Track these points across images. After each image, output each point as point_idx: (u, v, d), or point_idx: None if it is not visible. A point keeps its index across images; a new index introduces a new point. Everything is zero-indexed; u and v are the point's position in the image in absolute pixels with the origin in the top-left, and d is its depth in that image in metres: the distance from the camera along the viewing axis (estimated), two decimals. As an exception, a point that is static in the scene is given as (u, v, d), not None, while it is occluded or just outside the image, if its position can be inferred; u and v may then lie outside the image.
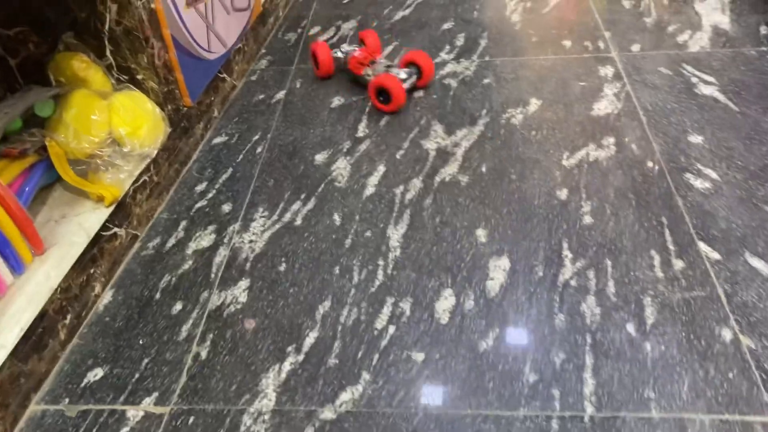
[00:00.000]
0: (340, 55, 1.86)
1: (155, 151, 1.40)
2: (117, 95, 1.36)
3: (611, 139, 1.53)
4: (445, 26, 2.09)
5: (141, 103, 1.39)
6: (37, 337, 1.09)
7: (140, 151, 1.37)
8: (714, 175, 1.39)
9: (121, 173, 1.34)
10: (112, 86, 1.39)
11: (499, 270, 1.24)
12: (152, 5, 1.39)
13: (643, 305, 1.14)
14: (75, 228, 1.24)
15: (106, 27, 1.35)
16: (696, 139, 1.49)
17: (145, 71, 1.41)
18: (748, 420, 0.96)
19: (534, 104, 1.67)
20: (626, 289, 1.17)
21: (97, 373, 1.12)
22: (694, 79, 1.70)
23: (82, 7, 1.33)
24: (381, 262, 1.28)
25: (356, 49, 1.85)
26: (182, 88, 1.54)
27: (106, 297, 1.27)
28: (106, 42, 1.38)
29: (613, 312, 1.14)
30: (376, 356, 1.10)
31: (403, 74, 1.73)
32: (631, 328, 1.11)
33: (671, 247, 1.25)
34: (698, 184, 1.38)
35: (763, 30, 1.88)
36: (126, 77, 1.43)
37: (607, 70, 1.78)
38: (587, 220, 1.32)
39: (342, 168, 1.54)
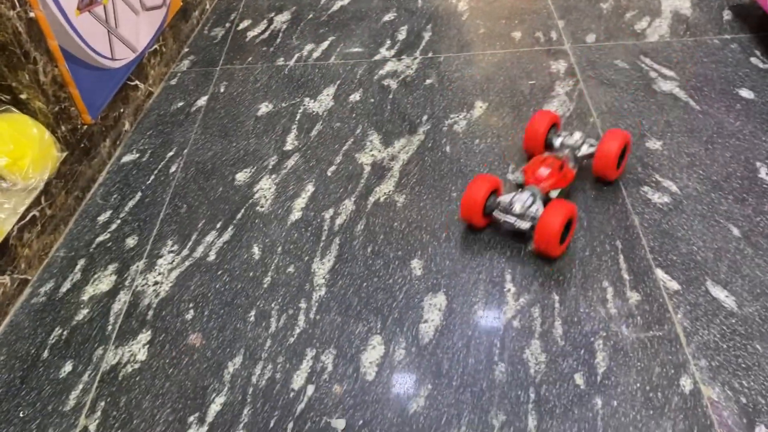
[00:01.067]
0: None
1: (43, 183, 1.22)
2: (-8, 120, 1.18)
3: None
4: (387, 17, 1.92)
5: (23, 128, 1.21)
6: None
7: (25, 184, 1.19)
8: (674, 187, 1.26)
9: (1, 212, 1.16)
10: (-11, 109, 1.21)
11: (434, 310, 1.10)
12: (30, 14, 1.20)
13: (593, 349, 1.01)
14: (-58, 282, 1.07)
15: (-24, 41, 1.17)
16: (654, 144, 1.36)
17: (28, 90, 1.23)
18: (709, 493, 0.84)
19: (479, 108, 1.52)
20: (575, 330, 1.04)
21: (-34, 457, 0.97)
22: (652, 74, 1.56)
23: (-57, 19, 1.14)
24: (303, 305, 1.13)
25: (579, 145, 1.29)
26: (79, 104, 1.36)
27: (-15, 359, 1.10)
28: (-22, 58, 1.19)
29: (560, 359, 1.00)
30: (291, 425, 0.96)
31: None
32: (579, 378, 0.97)
33: (626, 276, 1.11)
34: (656, 198, 1.24)
35: (726, 15, 1.74)
36: (8, 97, 1.24)
37: (560, 65, 1.63)
38: (533, 246, 1.18)
39: (266, 189, 1.37)
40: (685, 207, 1.22)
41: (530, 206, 1.17)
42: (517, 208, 1.17)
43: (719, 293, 1.07)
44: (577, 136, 1.30)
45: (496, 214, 1.19)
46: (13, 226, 1.17)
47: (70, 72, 1.31)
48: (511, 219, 1.17)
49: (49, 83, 1.26)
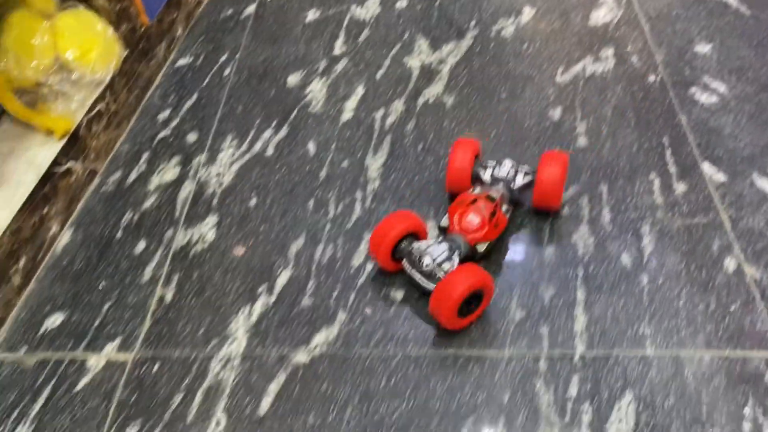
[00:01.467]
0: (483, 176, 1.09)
1: (109, 77, 1.27)
2: (61, 15, 1.22)
3: (610, 51, 1.40)
4: (431, -71, 1.90)
5: (89, 24, 1.25)
6: (-14, 285, 1.01)
7: (92, 77, 1.25)
8: (722, 88, 1.27)
9: (71, 103, 1.22)
10: (56, 5, 1.25)
11: (485, 199, 1.14)
12: None
13: (640, 234, 1.06)
14: (23, 165, 1.14)
15: (43, -65, 1.20)
16: (703, 48, 1.36)
17: (92, -14, 1.27)
18: (750, 356, 0.89)
19: (527, 13, 1.53)
20: (622, 216, 1.08)
21: (56, 320, 1.05)
22: (702, -18, 1.55)
23: None
24: (359, 195, 1.19)
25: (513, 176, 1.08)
26: (138, 5, 1.40)
27: (64, 237, 1.18)
28: (45, -47, 1.22)
29: (608, 242, 1.05)
30: (353, 295, 1.03)
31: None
32: (626, 259, 1.02)
33: (672, 169, 1.15)
34: (704, 99, 1.26)
35: (780, -76, 1.70)
36: (72, -6, 1.28)
37: (608, -26, 1.62)
38: (582, 141, 1.22)
39: (317, 91, 1.41)
40: (733, 107, 1.24)
41: (442, 263, 0.95)
42: (426, 262, 0.96)
43: (765, 184, 1.10)
44: (508, 165, 1.07)
45: (405, 264, 0.99)
46: (83, 117, 1.23)
47: (129, -28, 1.35)
48: (416, 276, 0.97)
49: (111, -19, 1.30)
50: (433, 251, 0.96)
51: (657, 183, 1.13)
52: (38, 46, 1.18)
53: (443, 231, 1.04)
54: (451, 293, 0.89)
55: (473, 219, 1.00)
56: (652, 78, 1.32)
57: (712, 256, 1.01)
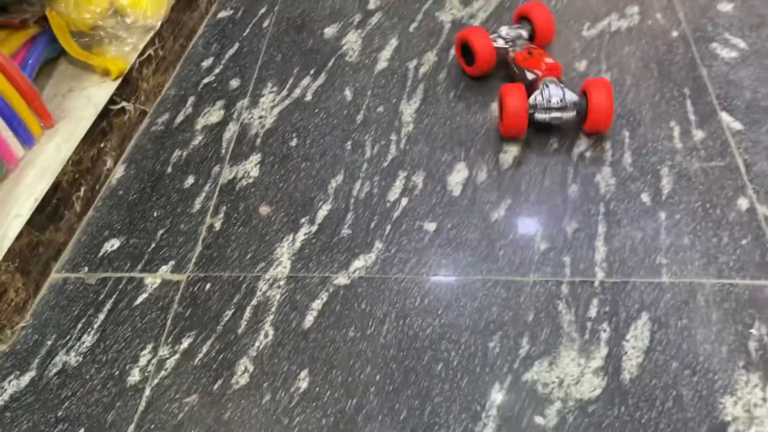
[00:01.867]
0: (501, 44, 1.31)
1: (159, 23, 1.35)
2: (116, -38, 1.30)
3: (635, 8, 1.45)
4: None
5: (141, -28, 1.32)
6: (52, 208, 1.10)
7: (144, 23, 1.32)
8: (742, 44, 1.33)
9: (125, 46, 1.30)
10: (111, -47, 1.32)
11: (512, 144, 1.22)
12: None
13: (659, 175, 1.12)
14: (83, 102, 1.22)
15: None
16: (725, 6, 1.41)
17: (143, -64, 1.34)
18: (758, 284, 0.96)
19: (555, -28, 1.58)
20: (643, 160, 1.15)
21: (113, 244, 1.14)
22: (728, -57, 1.59)
23: None
24: (393, 137, 1.26)
25: (521, 36, 1.32)
26: (184, -43, 1.47)
27: (119, 171, 1.27)
28: None
29: (629, 182, 1.12)
30: (389, 226, 1.11)
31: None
32: (646, 197, 1.09)
33: (692, 117, 1.21)
34: (724, 53, 1.32)
35: None
36: (124, -57, 1.35)
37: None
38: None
39: (353, 42, 1.48)
40: (753, 61, 1.29)
41: (564, 96, 1.16)
42: (555, 101, 1.16)
43: (780, 133, 1.16)
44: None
45: (540, 115, 1.17)
46: (135, 60, 1.31)
47: (176, -76, 1.41)
48: (557, 114, 1.17)
49: (161, -68, 1.37)
50: (555, 93, 1.17)
51: (677, 130, 1.19)
52: (95, -8, 1.26)
53: (532, 83, 1.21)
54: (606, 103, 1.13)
55: (548, 60, 1.23)
56: (675, 33, 1.37)
57: (727, 196, 1.08)
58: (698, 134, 1.18)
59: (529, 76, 1.22)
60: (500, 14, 1.49)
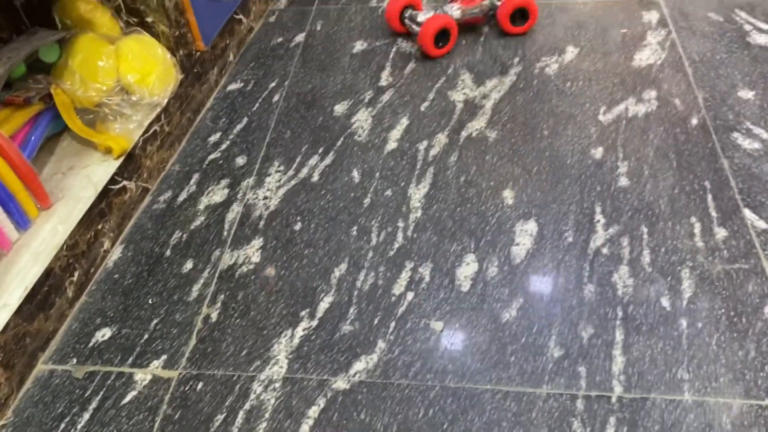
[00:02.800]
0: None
1: (166, 100, 1.33)
2: (125, 40, 1.29)
3: (653, 93, 1.41)
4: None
5: (150, 48, 1.31)
6: (43, 296, 1.05)
7: (150, 100, 1.30)
8: (765, 135, 1.28)
9: (130, 123, 1.27)
10: (121, 29, 1.32)
11: (525, 235, 1.16)
12: (161, -59, 1.30)
13: (680, 277, 1.06)
14: (83, 181, 1.19)
15: (113, -35, 1.27)
16: (746, 94, 1.38)
17: (155, 13, 1.33)
18: (789, 407, 0.89)
19: (570, 53, 1.56)
20: (662, 258, 1.09)
21: (105, 333, 1.09)
22: (747, 27, 1.56)
23: (86, -57, 1.24)
24: (401, 224, 1.21)
25: None
26: (195, 32, 1.46)
27: (116, 253, 1.22)
28: (113, -19, 1.29)
29: (648, 284, 1.06)
30: (393, 324, 1.05)
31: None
32: (666, 301, 1.03)
33: (713, 213, 1.16)
34: (746, 144, 1.27)
35: (827, -28, 1.72)
36: (135, 20, 1.35)
37: (652, 16, 1.64)
38: (623, 181, 1.23)
39: (363, 120, 1.45)
40: (776, 154, 1.24)
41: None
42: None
43: (807, 234, 1.10)
44: None
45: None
46: (139, 138, 1.28)
47: (189, 0, 1.41)
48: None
49: (173, 9, 1.36)
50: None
51: (698, 227, 1.14)
52: (102, 69, 1.24)
53: None
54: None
55: None
56: (694, 121, 1.33)
57: (753, 303, 1.01)
58: (720, 232, 1.12)
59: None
60: (513, 95, 1.46)
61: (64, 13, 1.29)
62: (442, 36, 1.57)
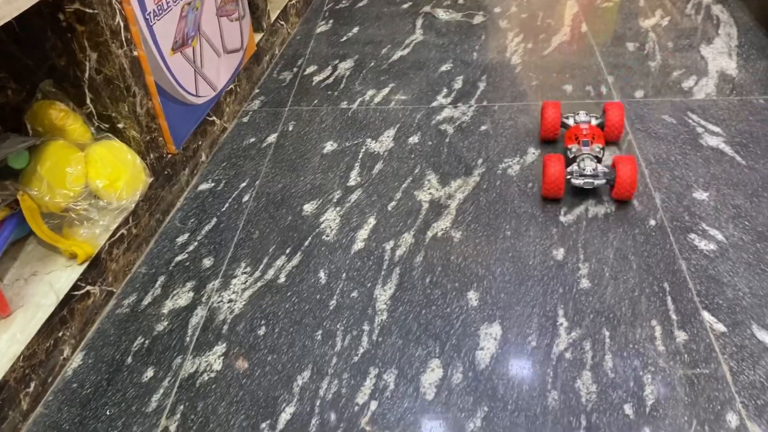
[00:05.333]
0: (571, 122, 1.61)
1: (134, 204, 1.34)
2: (94, 146, 1.31)
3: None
4: (444, 68, 2.04)
5: (120, 154, 1.33)
6: (-6, 411, 1.02)
7: (118, 204, 1.32)
8: (720, 236, 1.32)
9: (96, 228, 1.28)
10: (92, 135, 1.34)
11: (490, 338, 1.17)
12: (134, 53, 1.34)
13: (642, 383, 1.07)
14: (45, 288, 1.18)
15: (86, 75, 1.31)
16: (701, 195, 1.43)
17: (126, 120, 1.36)
18: None
19: (532, 154, 1.61)
20: (625, 363, 1.10)
21: (58, 448, 1.06)
22: (699, 129, 1.64)
23: (61, 54, 1.29)
24: (366, 327, 1.21)
25: (590, 121, 1.59)
26: (166, 136, 1.49)
27: (76, 360, 1.20)
28: (86, 90, 1.33)
29: (610, 390, 1.06)
30: (356, 436, 1.03)
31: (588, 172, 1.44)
32: (629, 409, 1.03)
33: (674, 316, 1.17)
34: (703, 245, 1.31)
35: (771, 77, 1.82)
36: (107, 126, 1.38)
37: (609, 118, 1.71)
38: (584, 283, 1.25)
39: (331, 220, 1.47)
40: (731, 255, 1.28)
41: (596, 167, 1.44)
42: (588, 170, 1.43)
43: (765, 337, 1.12)
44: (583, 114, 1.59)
45: (575, 181, 1.44)
46: (105, 242, 1.29)
47: (161, 105, 1.45)
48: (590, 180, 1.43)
49: (144, 115, 1.40)
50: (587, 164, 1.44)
51: (658, 330, 1.15)
52: (71, 175, 1.26)
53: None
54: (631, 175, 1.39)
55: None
56: (652, 222, 1.37)
57: (714, 410, 1.01)
58: (681, 336, 1.13)
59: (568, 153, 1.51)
60: (477, 195, 1.49)
61: (35, 120, 1.31)
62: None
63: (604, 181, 1.43)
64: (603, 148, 1.50)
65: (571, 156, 1.50)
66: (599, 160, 1.48)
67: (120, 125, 1.37)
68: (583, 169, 1.43)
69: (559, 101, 1.66)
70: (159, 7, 1.41)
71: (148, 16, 1.37)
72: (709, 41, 2.04)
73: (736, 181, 1.45)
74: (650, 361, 1.10)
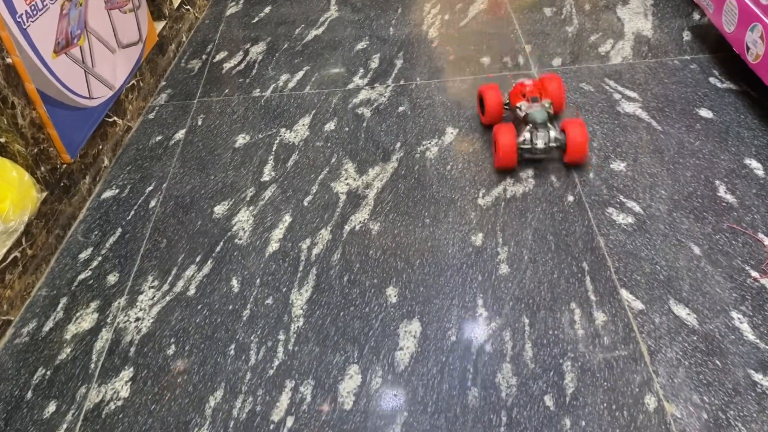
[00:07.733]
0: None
1: (23, 225, 1.25)
2: (-28, 166, 1.21)
3: (530, 171, 1.43)
4: (360, 46, 1.97)
5: (2, 172, 1.23)
6: None
7: (5, 227, 1.22)
8: (637, 208, 1.30)
9: (-18, 255, 1.18)
10: (-31, 154, 1.23)
11: (409, 337, 1.13)
12: (7, 60, 1.23)
13: (562, 371, 1.05)
14: (-75, 327, 1.09)
15: (-46, 89, 1.19)
16: (619, 166, 1.41)
17: (6, 134, 1.26)
18: (673, 508, 0.87)
19: (450, 134, 1.56)
20: (544, 352, 1.08)
21: (-47, 501, 0.98)
22: (616, 96, 1.61)
23: None
24: (282, 336, 1.16)
25: (531, 82, 1.53)
26: (58, 145, 1.38)
27: (-30, 401, 1.12)
28: (-43, 105, 1.22)
29: (531, 382, 1.04)
30: (271, 456, 0.99)
31: (540, 139, 1.40)
32: (549, 400, 1.01)
33: (592, 297, 1.16)
34: (621, 219, 1.29)
35: (686, 36, 1.81)
36: (-14, 141, 1.27)
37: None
38: (503, 269, 1.22)
39: (244, 221, 1.40)
40: (649, 227, 1.26)
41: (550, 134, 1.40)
42: (540, 143, 1.39)
43: (681, 311, 1.11)
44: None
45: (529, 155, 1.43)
46: (-5, 269, 1.19)
47: (48, 113, 1.34)
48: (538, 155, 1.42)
49: (28, 126, 1.29)
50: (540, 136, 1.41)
51: (578, 313, 1.13)
52: (-54, 201, 1.15)
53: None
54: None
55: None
56: (570, 198, 1.35)
57: (633, 393, 1.00)
58: (600, 317, 1.12)
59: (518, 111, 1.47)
60: (395, 182, 1.44)
61: None
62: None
63: (556, 145, 1.40)
64: (551, 103, 1.47)
65: (522, 115, 1.44)
66: (551, 118, 1.44)
67: (1, 140, 1.27)
68: (536, 144, 1.40)
69: (497, 84, 1.56)
70: (32, 8, 1.29)
71: (19, 19, 1.26)
72: (625, 1, 2.02)
73: (653, 148, 1.44)
74: (570, 347, 1.08)
